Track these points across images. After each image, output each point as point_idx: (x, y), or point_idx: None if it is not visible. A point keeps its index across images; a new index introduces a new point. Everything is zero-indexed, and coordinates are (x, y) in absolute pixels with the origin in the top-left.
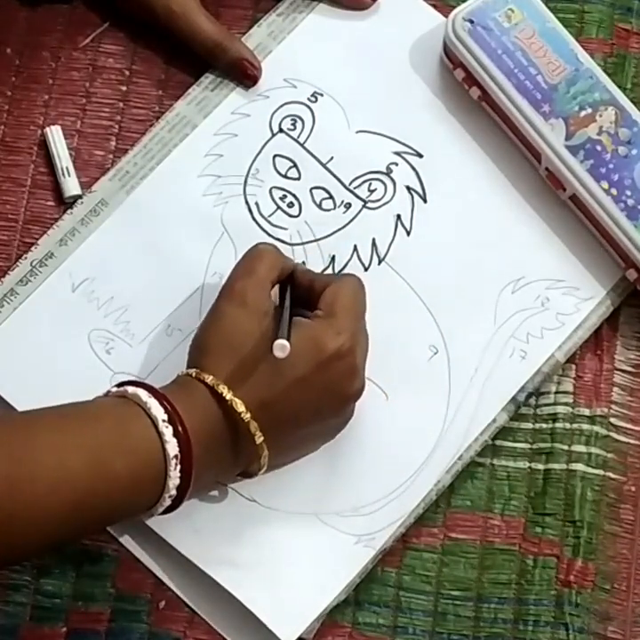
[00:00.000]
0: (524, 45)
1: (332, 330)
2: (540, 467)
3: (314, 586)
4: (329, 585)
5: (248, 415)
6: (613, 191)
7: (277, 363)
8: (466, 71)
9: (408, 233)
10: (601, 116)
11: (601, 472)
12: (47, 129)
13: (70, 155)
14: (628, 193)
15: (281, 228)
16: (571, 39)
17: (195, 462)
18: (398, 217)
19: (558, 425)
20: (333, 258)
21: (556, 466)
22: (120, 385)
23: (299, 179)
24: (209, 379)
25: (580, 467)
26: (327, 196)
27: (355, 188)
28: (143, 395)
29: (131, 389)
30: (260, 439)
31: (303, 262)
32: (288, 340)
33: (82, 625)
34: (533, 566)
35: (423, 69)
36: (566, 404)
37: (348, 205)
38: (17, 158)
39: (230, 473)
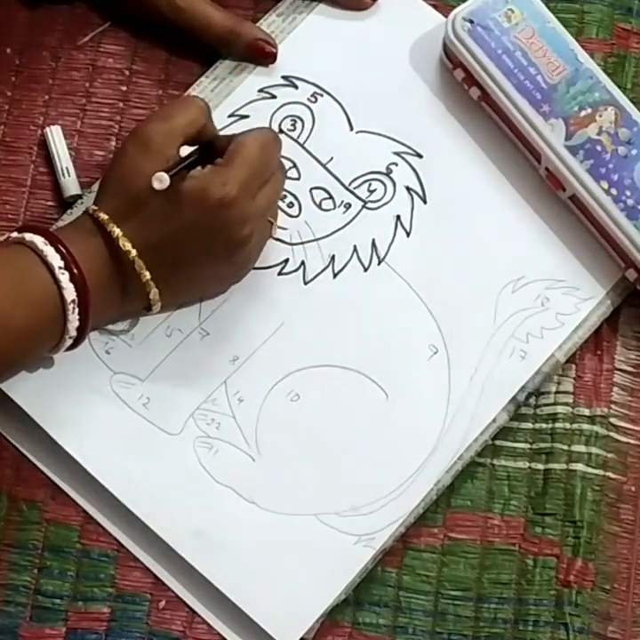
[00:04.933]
0: (523, 45)
1: (221, 179)
2: (540, 467)
3: (314, 586)
4: (329, 585)
5: (134, 253)
6: (613, 191)
7: (166, 206)
8: (466, 71)
9: (408, 233)
10: (601, 116)
11: (601, 472)
12: (47, 129)
13: (70, 155)
14: (628, 193)
15: (281, 227)
16: (571, 39)
17: (91, 303)
18: (398, 217)
19: (558, 425)
20: (333, 257)
21: (556, 466)
22: (19, 230)
23: (299, 179)
24: (102, 217)
25: (579, 467)
26: (327, 196)
27: (354, 188)
28: (39, 242)
29: (28, 236)
30: (145, 277)
31: (303, 262)
32: (177, 180)
33: (82, 625)
34: (533, 566)
35: (423, 69)
36: (566, 403)
37: (348, 205)
38: (17, 158)
39: (124, 311)
